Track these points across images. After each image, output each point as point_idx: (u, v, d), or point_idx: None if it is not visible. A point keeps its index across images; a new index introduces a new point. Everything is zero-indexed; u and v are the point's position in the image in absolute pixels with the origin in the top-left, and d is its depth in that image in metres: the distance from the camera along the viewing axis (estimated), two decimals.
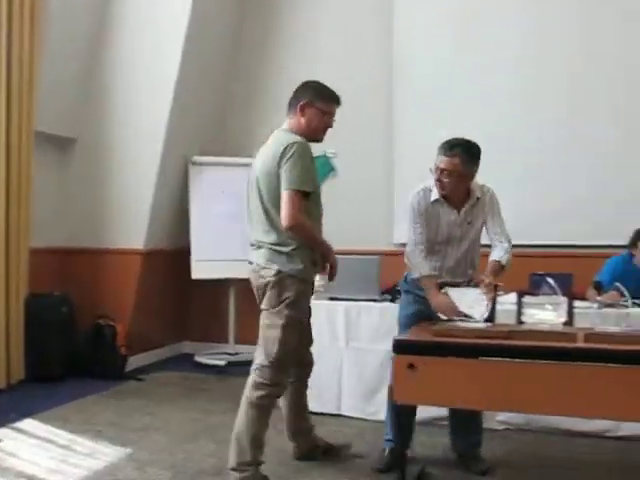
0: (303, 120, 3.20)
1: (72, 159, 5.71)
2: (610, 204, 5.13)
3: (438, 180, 3.30)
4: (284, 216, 3.04)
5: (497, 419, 3.94)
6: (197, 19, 5.45)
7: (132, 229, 5.63)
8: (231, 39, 6.18)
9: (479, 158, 3.31)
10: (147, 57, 5.47)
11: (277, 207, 3.09)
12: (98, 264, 5.65)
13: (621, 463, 3.52)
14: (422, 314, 3.31)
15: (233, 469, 3.12)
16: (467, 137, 3.33)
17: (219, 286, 5.92)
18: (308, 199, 3.10)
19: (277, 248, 3.13)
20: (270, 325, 3.14)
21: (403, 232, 5.74)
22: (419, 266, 3.32)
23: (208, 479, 3.28)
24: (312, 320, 3.43)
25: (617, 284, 3.08)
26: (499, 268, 3.27)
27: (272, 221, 3.13)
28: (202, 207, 5.79)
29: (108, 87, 5.59)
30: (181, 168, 5.86)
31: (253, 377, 3.16)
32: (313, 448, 3.55)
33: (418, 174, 5.50)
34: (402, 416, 3.28)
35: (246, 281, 6.04)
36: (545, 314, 3.04)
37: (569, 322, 3.07)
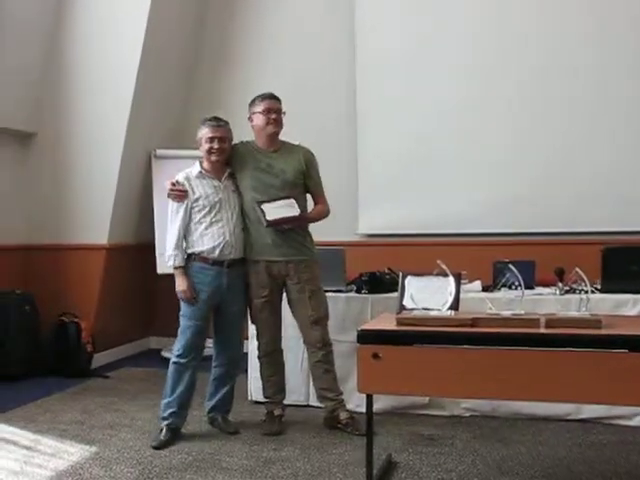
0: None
1: (32, 154, 5.59)
2: (569, 192, 5.20)
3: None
4: None
5: (463, 406, 3.98)
6: (158, 8, 5.37)
7: (95, 224, 5.53)
8: (194, 29, 6.11)
9: None
10: (108, 48, 5.37)
11: None
12: (61, 261, 5.56)
13: (582, 443, 3.57)
14: None
15: None
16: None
17: None
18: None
19: None
20: None
21: (367, 223, 5.80)
22: None
23: (176, 475, 3.25)
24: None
25: (577, 269, 3.11)
26: None
27: None
28: (165, 200, 5.71)
29: (68, 80, 5.48)
30: (144, 161, 5.78)
31: None
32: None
33: (382, 165, 5.62)
34: None
35: None
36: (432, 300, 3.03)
37: (455, 307, 3.04)
